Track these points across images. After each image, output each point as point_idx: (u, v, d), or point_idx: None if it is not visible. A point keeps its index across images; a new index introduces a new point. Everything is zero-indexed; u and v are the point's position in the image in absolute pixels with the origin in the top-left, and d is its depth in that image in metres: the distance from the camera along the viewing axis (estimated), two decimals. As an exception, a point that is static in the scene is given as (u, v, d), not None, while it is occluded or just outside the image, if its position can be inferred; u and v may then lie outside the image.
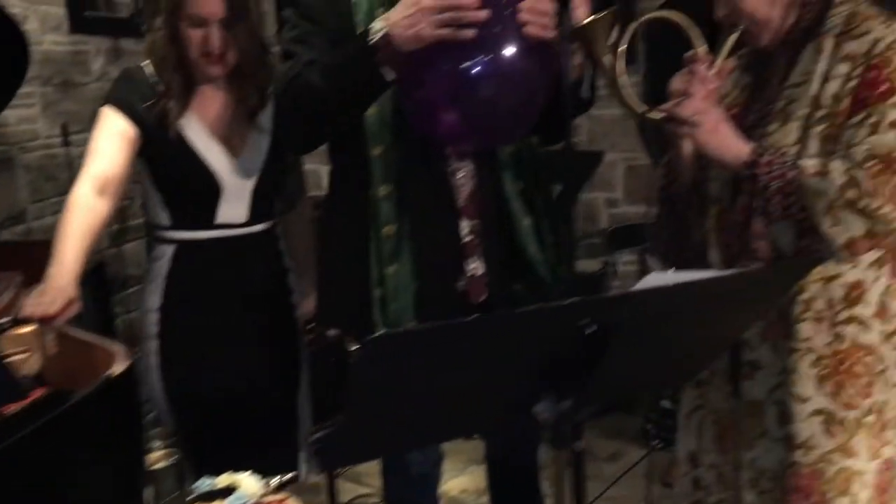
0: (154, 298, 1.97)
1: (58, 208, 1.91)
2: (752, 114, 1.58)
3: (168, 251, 1.96)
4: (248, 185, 1.95)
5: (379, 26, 1.58)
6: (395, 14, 1.57)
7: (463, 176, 1.79)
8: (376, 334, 0.80)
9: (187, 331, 1.95)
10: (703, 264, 1.63)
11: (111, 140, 1.88)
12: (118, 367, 1.28)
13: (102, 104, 1.92)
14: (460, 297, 1.80)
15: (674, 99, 1.52)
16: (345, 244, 1.82)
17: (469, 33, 1.53)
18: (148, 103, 1.88)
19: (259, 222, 2.00)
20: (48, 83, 2.91)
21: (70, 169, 2.77)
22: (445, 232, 1.78)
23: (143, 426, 1.86)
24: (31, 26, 2.84)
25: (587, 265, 3.54)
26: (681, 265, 1.71)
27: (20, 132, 2.81)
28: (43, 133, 2.88)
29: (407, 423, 0.96)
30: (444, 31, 1.52)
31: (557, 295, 1.87)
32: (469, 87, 1.61)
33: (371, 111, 1.71)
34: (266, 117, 1.96)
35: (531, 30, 1.58)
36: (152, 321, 1.97)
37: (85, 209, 1.81)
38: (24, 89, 2.80)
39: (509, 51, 1.60)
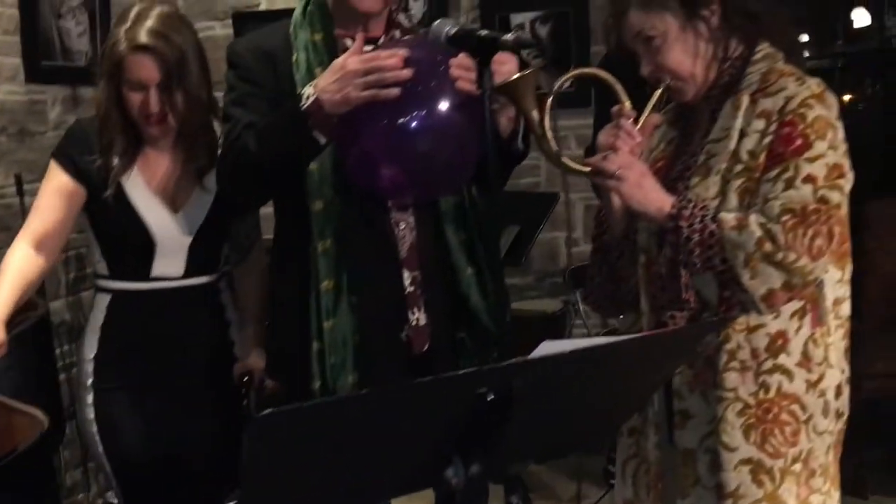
0: (90, 348, 1.98)
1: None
2: (676, 167, 1.61)
3: (105, 300, 1.98)
4: (185, 242, 1.96)
5: (308, 92, 1.62)
6: (323, 80, 1.61)
7: (404, 228, 1.82)
8: (264, 413, 0.81)
9: (122, 382, 1.96)
10: (635, 312, 1.65)
11: (53, 196, 1.92)
12: (31, 437, 1.27)
13: (50, 157, 1.96)
14: (403, 348, 1.81)
15: (600, 152, 1.56)
16: (287, 296, 1.84)
17: (394, 92, 1.56)
18: (92, 158, 1.91)
19: (197, 276, 2.00)
20: (2, 133, 2.91)
21: (24, 218, 2.76)
22: (387, 284, 1.80)
23: (58, 493, 1.85)
24: (-15, 76, 2.86)
25: (548, 305, 3.57)
26: (613, 313, 1.74)
27: (-27, 184, 2.82)
28: (-2, 182, 2.89)
29: (313, 495, 0.96)
30: (370, 93, 1.56)
31: (501, 343, 1.89)
32: (406, 142, 1.65)
33: (312, 166, 1.74)
34: (212, 177, 1.97)
35: (462, 85, 1.61)
36: (87, 371, 1.97)
37: (19, 261, 1.87)
38: (-22, 140, 2.82)
39: (444, 105, 1.64)
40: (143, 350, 1.95)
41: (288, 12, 3.80)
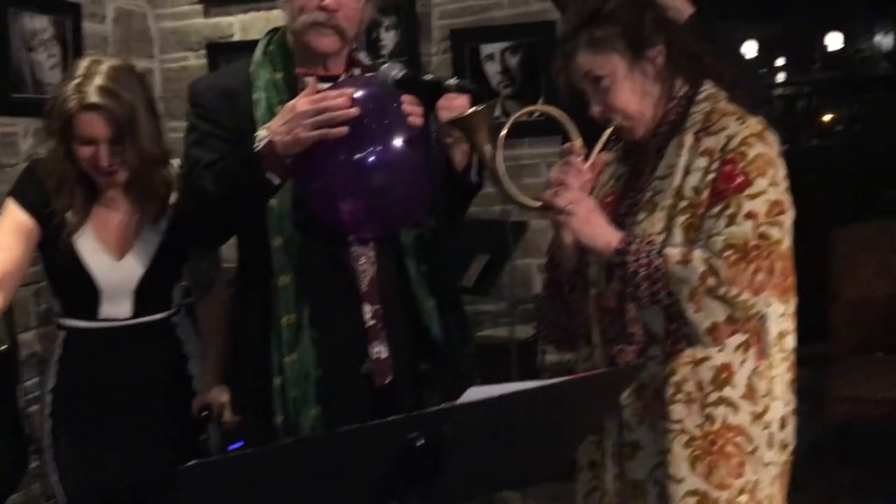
0: (50, 380, 2.02)
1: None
2: (625, 202, 1.65)
3: (60, 336, 2.04)
4: (128, 287, 1.98)
5: (262, 134, 1.66)
6: (275, 122, 1.65)
7: (364, 262, 1.84)
8: (189, 464, 0.82)
9: (76, 414, 1.99)
10: (588, 345, 1.68)
11: (10, 234, 1.93)
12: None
13: (8, 195, 1.98)
14: (365, 381, 1.83)
15: (552, 188, 1.59)
16: (248, 331, 1.86)
17: (342, 130, 1.60)
18: (48, 208, 1.93)
19: (148, 315, 2.02)
20: (-27, 166, 2.93)
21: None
22: (349, 317, 1.82)
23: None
24: (-44, 110, 2.87)
25: (521, 331, 3.58)
26: (567, 347, 1.75)
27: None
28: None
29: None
30: (319, 133, 1.59)
31: (464, 373, 1.91)
32: (363, 177, 1.68)
33: (272, 203, 1.76)
34: (163, 222, 2.01)
35: (414, 120, 1.65)
36: (47, 402, 2.02)
37: None
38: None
39: (397, 140, 1.67)
40: (97, 385, 1.98)
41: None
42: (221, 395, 2.00)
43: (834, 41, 7.09)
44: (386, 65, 1.64)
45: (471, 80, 3.59)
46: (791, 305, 1.59)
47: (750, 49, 6.73)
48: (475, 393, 0.98)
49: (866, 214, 4.44)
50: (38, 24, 3.17)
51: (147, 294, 2.01)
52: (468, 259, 3.12)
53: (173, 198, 1.99)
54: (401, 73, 1.59)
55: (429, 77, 1.59)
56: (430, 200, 1.75)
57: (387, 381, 1.84)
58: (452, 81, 1.55)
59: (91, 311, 1.99)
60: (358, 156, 1.66)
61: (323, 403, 1.77)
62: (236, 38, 3.83)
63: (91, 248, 1.96)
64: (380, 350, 1.84)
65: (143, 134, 1.89)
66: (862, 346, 3.39)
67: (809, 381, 3.33)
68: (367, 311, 1.82)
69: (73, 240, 1.94)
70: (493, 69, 3.59)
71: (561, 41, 1.63)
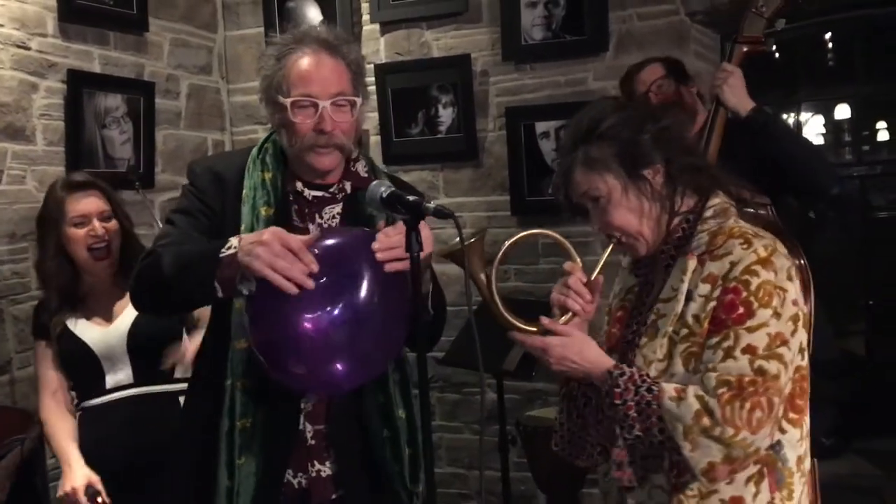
0: None
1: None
2: (634, 319, 1.60)
3: (77, 416, 2.38)
4: (122, 346, 2.33)
5: (233, 243, 1.62)
6: (247, 238, 1.62)
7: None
8: None
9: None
10: (606, 461, 1.63)
11: (48, 365, 2.37)
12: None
13: (33, 338, 2.43)
14: (304, 495, 1.79)
15: (553, 309, 1.58)
16: (198, 430, 1.81)
17: (292, 289, 1.55)
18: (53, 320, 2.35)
19: (149, 384, 2.36)
20: (43, 237, 3.08)
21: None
22: (294, 432, 1.77)
23: None
24: (28, 185, 3.04)
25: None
26: (582, 460, 1.70)
27: (11, 285, 2.97)
28: (34, 286, 3.03)
29: None
30: (271, 275, 1.55)
31: None
32: (335, 332, 1.58)
33: (236, 305, 1.72)
34: None
35: (391, 266, 1.59)
36: None
37: (58, 419, 2.33)
38: (17, 245, 2.98)
39: (366, 291, 1.59)
40: (107, 455, 2.27)
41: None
42: None
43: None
44: (375, 182, 1.62)
45: (525, 156, 3.64)
46: (805, 427, 1.51)
47: (843, 112, 6.46)
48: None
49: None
50: (112, 102, 3.34)
51: (141, 352, 2.31)
52: (509, 342, 3.05)
53: None
54: (387, 192, 1.58)
55: (411, 198, 1.55)
56: (401, 343, 1.70)
57: (332, 498, 1.80)
58: (431, 206, 1.52)
59: (99, 385, 2.32)
60: (331, 312, 1.57)
61: None
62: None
63: (84, 326, 2.34)
64: (319, 469, 1.80)
65: (123, 212, 2.32)
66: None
67: (873, 479, 3.13)
68: (309, 430, 1.79)
69: (69, 327, 2.33)
70: (547, 146, 3.58)
71: (559, 155, 1.60)
